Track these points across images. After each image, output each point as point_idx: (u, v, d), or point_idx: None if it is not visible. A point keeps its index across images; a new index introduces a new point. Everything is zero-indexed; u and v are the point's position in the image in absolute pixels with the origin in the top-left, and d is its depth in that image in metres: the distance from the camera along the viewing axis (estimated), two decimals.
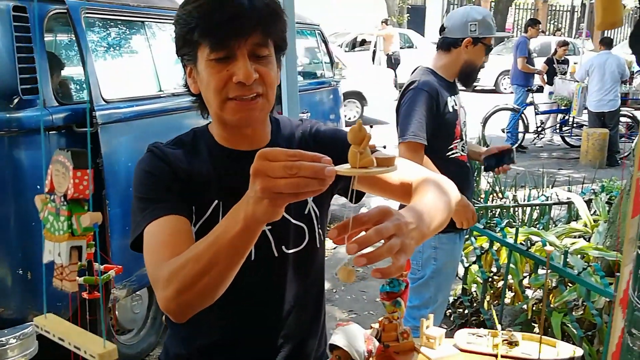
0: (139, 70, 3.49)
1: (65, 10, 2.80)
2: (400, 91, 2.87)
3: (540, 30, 10.56)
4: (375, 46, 16.28)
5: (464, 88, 3.02)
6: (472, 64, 2.88)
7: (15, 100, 2.55)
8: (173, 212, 1.27)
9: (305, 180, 0.90)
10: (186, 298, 1.10)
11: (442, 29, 2.92)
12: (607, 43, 9.64)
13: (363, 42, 17.13)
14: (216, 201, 1.35)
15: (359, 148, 0.93)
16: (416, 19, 24.63)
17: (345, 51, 16.36)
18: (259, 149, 1.38)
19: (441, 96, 2.77)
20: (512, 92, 10.52)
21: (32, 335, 2.60)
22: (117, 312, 3.34)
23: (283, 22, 1.33)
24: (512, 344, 1.37)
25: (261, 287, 1.41)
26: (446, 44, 2.87)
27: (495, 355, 1.34)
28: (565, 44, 11.02)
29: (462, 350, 1.38)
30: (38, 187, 2.56)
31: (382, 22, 16.55)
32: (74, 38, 2.86)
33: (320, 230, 1.46)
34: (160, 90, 3.44)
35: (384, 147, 1.00)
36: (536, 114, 10.14)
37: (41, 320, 0.81)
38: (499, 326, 1.38)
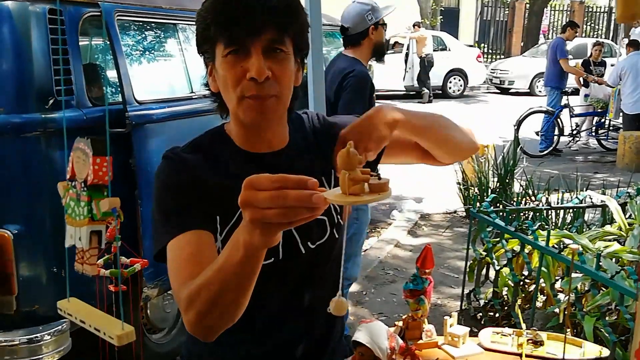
0: (171, 72, 3.53)
1: (99, 13, 2.85)
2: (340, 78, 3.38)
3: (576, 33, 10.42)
4: (407, 48, 16.21)
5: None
6: (380, 43, 3.54)
7: (51, 101, 2.61)
8: (195, 227, 1.26)
9: (293, 210, 0.86)
10: (207, 322, 1.11)
11: (345, 29, 3.48)
12: (635, 45, 9.52)
13: (395, 45, 17.07)
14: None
15: (350, 174, 0.87)
16: (449, 21, 24.48)
17: None
18: (279, 150, 1.40)
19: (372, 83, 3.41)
20: (546, 95, 10.39)
21: (66, 332, 2.66)
22: (148, 311, 3.39)
23: (302, 20, 1.31)
24: (537, 343, 1.36)
25: (289, 283, 1.41)
26: (355, 39, 3.47)
27: (520, 355, 1.33)
28: (599, 44, 10.84)
29: (486, 349, 1.37)
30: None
31: (414, 24, 16.46)
32: (108, 40, 2.92)
33: (340, 220, 1.45)
34: (192, 92, 3.48)
35: (378, 172, 1.02)
36: (571, 116, 9.99)
37: (64, 304, 0.83)
38: (523, 325, 1.37)
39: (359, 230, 3.65)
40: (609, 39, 23.26)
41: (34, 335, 2.57)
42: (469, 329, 1.42)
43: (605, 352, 1.32)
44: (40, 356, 2.59)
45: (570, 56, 10.33)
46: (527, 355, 1.33)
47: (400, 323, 1.40)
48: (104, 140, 0.75)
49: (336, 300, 0.95)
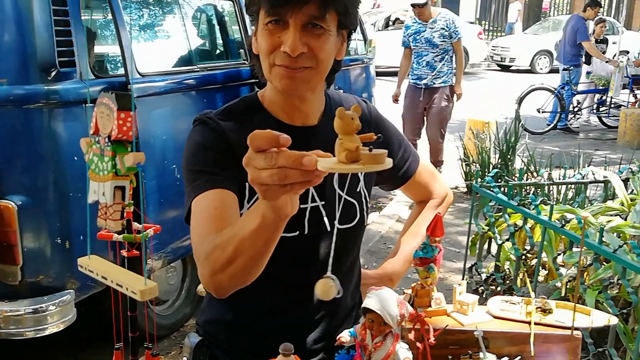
0: (173, 45, 3.51)
1: None
2: None
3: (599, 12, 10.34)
4: None
5: None
6: None
7: (53, 73, 2.59)
8: (221, 186, 1.26)
9: (284, 170, 0.82)
10: (219, 280, 1.11)
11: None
12: None
13: (396, 21, 16.93)
14: None
15: (346, 140, 0.82)
16: None
17: (379, 30, 16.20)
18: (313, 125, 1.39)
19: None
20: (549, 72, 10.34)
21: (71, 302, 2.67)
22: None
23: None
24: (545, 311, 1.36)
25: (312, 260, 1.42)
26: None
27: (529, 322, 1.34)
28: (602, 21, 10.76)
29: (495, 317, 1.38)
30: (75, 158, 2.61)
31: (411, 4, 16.23)
32: (110, 12, 2.89)
33: (367, 212, 1.50)
34: (194, 65, 3.46)
35: (380, 137, 1.04)
36: (573, 94, 9.96)
37: (85, 261, 0.83)
38: (532, 294, 1.37)
39: None
40: (610, 16, 23.10)
41: (39, 306, 2.58)
42: (477, 297, 1.43)
43: (614, 320, 1.33)
44: (45, 326, 2.60)
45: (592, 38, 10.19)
46: (535, 323, 1.33)
47: (410, 291, 1.41)
48: (128, 95, 0.75)
49: (323, 281, 0.93)
